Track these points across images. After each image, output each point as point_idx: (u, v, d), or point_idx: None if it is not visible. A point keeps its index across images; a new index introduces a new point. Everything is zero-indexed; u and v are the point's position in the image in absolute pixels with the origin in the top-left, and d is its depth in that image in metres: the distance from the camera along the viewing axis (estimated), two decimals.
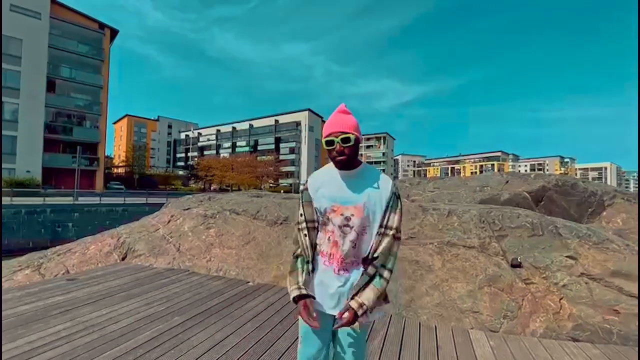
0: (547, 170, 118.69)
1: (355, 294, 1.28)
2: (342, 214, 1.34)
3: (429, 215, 4.00)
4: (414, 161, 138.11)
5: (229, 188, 45.92)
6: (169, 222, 6.22)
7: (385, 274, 1.31)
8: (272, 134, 69.55)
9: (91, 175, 33.47)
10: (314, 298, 1.35)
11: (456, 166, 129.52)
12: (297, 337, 2.60)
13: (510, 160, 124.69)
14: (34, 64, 29.18)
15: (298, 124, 66.84)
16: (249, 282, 4.29)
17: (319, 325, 1.29)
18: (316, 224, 1.39)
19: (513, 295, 3.10)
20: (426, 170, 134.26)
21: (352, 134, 1.31)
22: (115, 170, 58.86)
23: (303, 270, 1.37)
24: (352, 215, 1.33)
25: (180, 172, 67.41)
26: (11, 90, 27.94)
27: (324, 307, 1.36)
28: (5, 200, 18.78)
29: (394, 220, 1.33)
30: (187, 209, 6.38)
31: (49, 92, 30.90)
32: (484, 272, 3.29)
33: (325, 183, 1.40)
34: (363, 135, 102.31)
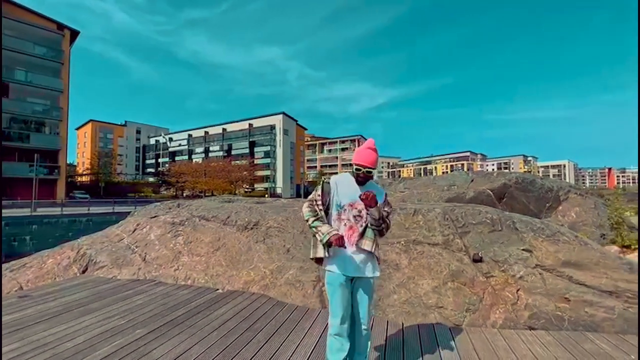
0: (513, 168, 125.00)
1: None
2: (356, 208, 2.08)
3: (396, 215, 4.08)
4: (389, 163, 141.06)
5: (202, 194, 44.73)
6: (134, 231, 5.96)
7: (382, 223, 2.04)
8: (246, 138, 68.66)
9: (51, 185, 31.51)
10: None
11: (428, 167, 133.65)
12: (265, 343, 2.56)
13: (478, 160, 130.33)
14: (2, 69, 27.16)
15: (273, 127, 66.43)
16: (218, 289, 4.19)
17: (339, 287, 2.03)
18: (325, 207, 2.12)
19: (475, 289, 3.22)
20: (400, 171, 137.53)
21: (374, 169, 2.09)
22: (80, 179, 55.77)
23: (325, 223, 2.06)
24: (362, 210, 2.07)
25: (151, 179, 64.95)
26: None
27: (347, 272, 2.02)
28: None
29: (388, 208, 2.12)
30: (154, 217, 6.15)
31: (3, 96, 28.84)
32: (448, 267, 3.40)
33: (345, 186, 2.14)
34: (339, 138, 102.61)
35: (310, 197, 2.18)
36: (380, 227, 2.05)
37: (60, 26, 33.27)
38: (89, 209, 22.64)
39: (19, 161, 29.98)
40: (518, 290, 3.13)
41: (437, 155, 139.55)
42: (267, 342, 2.71)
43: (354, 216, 2.07)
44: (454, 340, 2.75)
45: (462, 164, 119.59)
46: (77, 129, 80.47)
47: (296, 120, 71.89)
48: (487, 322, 3.05)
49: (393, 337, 2.83)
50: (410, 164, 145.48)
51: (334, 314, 2.04)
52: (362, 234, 2.05)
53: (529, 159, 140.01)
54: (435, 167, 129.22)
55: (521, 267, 3.26)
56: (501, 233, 3.62)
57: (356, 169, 2.09)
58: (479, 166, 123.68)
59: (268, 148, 65.80)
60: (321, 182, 2.17)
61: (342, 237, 1.95)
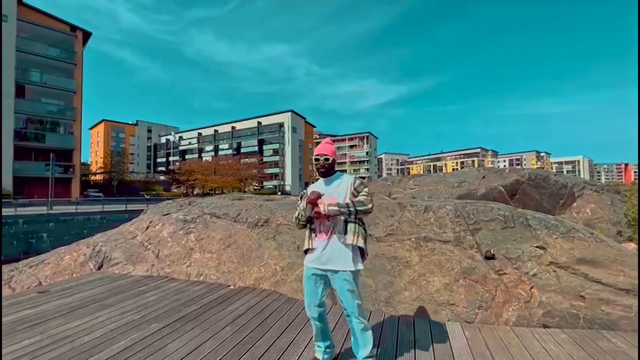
0: (525, 164, 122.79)
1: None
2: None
3: (407, 212, 4.06)
4: (397, 160, 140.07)
5: (212, 192, 45.20)
6: (147, 228, 6.07)
7: (352, 206, 2.06)
8: (255, 136, 69.01)
9: (67, 183, 32.28)
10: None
11: (437, 163, 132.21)
12: (277, 338, 2.60)
13: (489, 156, 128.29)
14: (2, 69, 27.86)
15: (281, 125, 66.59)
16: (229, 285, 4.25)
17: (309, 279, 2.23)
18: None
19: (487, 287, 3.19)
20: (409, 168, 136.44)
21: (331, 156, 2.25)
22: (93, 178, 56.93)
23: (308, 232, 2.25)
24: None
25: (162, 177, 65.85)
26: None
27: (316, 263, 2.16)
28: None
29: (363, 189, 2.15)
30: (166, 215, 6.25)
31: (19, 97, 29.66)
32: (460, 265, 3.37)
33: (318, 187, 2.26)
34: (347, 135, 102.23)
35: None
36: (345, 214, 2.08)
37: (73, 28, 33.93)
38: (102, 207, 23.11)
39: (35, 161, 30.78)
40: (531, 287, 3.09)
41: (447, 152, 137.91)
42: (278, 337, 2.73)
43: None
44: (466, 338, 2.73)
45: (473, 161, 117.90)
46: (90, 128, 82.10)
47: (304, 118, 71.91)
48: (499, 320, 3.02)
49: (404, 333, 2.83)
50: (420, 161, 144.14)
51: (305, 302, 2.25)
52: (334, 229, 2.14)
53: (542, 154, 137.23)
54: (445, 164, 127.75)
55: (534, 264, 3.21)
56: (514, 230, 3.56)
57: (315, 161, 2.24)
58: (490, 162, 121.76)
59: (277, 146, 66.02)
60: (302, 192, 2.36)
61: (315, 194, 2.11)
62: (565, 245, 3.28)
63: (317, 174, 2.35)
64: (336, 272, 2.10)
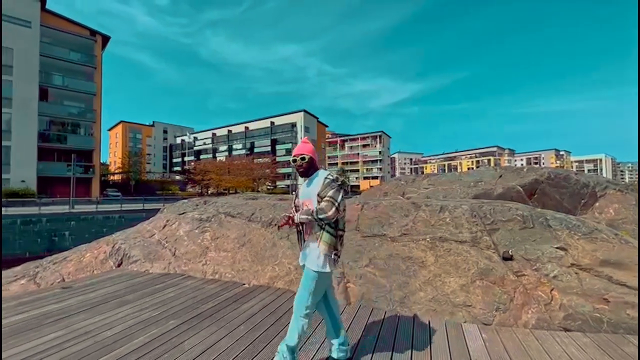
0: (543, 163, 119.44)
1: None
2: (305, 205, 2.24)
3: (421, 212, 4.02)
4: (411, 159, 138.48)
5: (226, 191, 45.80)
6: (164, 227, 6.21)
7: (315, 214, 2.08)
8: (268, 136, 69.50)
9: (87, 183, 33.32)
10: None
11: (452, 162, 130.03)
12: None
13: (506, 155, 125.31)
14: (26, 73, 29.05)
15: (294, 125, 66.86)
16: (244, 284, 4.30)
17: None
18: (295, 208, 2.35)
19: (505, 288, 3.12)
20: (423, 167, 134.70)
21: (308, 155, 2.24)
22: (112, 177, 58.56)
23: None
24: (309, 205, 2.20)
25: (177, 177, 67.17)
26: (4, 100, 27.75)
27: (302, 261, 2.26)
28: None
29: (327, 192, 2.10)
30: (182, 214, 6.37)
31: (42, 100, 30.78)
32: (476, 265, 3.31)
33: (301, 189, 2.35)
34: (359, 134, 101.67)
35: None
36: (315, 221, 2.11)
37: (93, 32, 34.97)
38: (121, 206, 23.76)
39: (57, 161, 31.90)
40: (552, 289, 3.00)
41: (462, 151, 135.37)
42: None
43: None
44: (483, 340, 2.68)
45: (489, 160, 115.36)
46: (109, 129, 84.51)
47: (317, 118, 71.95)
48: (518, 322, 2.95)
49: (419, 334, 2.80)
50: (434, 160, 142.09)
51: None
52: (310, 229, 2.20)
53: (562, 153, 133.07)
54: (460, 163, 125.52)
55: (555, 266, 3.12)
56: (533, 230, 3.47)
57: (293, 162, 2.26)
58: (506, 161, 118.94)
59: (289, 145, 66.27)
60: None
61: (287, 218, 2.22)
62: (588, 247, 3.18)
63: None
64: (304, 267, 2.21)
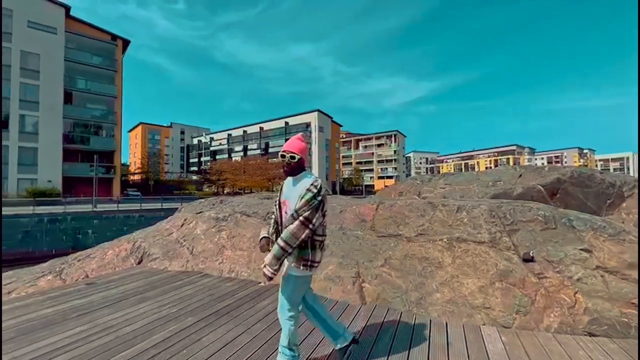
0: (566, 162, 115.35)
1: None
2: (285, 205, 2.12)
3: (438, 212, 3.95)
4: (427, 158, 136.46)
5: (242, 191, 46.39)
6: (182, 225, 6.35)
7: (280, 242, 1.98)
8: (282, 136, 69.89)
9: (108, 183, 34.42)
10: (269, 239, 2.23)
11: (470, 162, 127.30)
12: (307, 336, 2.61)
13: (526, 154, 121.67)
14: (52, 77, 30.27)
15: (308, 125, 67.01)
16: (260, 283, 4.34)
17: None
18: (277, 206, 2.24)
19: (526, 290, 3.04)
20: (439, 167, 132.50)
21: (299, 155, 2.08)
22: (132, 177, 60.33)
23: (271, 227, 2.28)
24: (288, 206, 2.09)
25: (194, 177, 68.53)
26: (31, 103, 29.06)
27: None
28: (28, 209, 19.49)
29: (299, 205, 1.98)
30: (199, 213, 6.50)
31: (66, 103, 31.99)
32: (495, 267, 3.24)
33: (284, 186, 2.22)
34: (374, 134, 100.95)
35: None
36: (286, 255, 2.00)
37: (114, 37, 36.08)
38: (140, 206, 24.44)
39: (81, 162, 33.11)
40: (576, 293, 2.90)
41: (480, 150, 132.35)
42: (309, 335, 2.76)
43: (285, 212, 2.12)
44: (503, 343, 2.62)
45: (508, 159, 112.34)
46: (129, 131, 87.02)
47: (331, 117, 71.89)
48: (539, 326, 2.86)
49: (436, 336, 2.76)
50: (450, 159, 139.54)
51: None
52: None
53: (585, 151, 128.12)
54: (478, 162, 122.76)
55: (579, 268, 3.01)
56: (555, 231, 3.36)
57: (281, 157, 2.10)
58: (526, 160, 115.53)
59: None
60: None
61: (261, 245, 2.20)
62: (615, 249, 3.05)
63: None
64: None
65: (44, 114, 29.61)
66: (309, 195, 1.97)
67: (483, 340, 2.67)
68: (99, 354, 2.42)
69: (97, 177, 27.61)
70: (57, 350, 2.46)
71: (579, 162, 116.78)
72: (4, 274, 5.63)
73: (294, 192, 2.06)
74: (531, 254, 3.21)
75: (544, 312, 2.91)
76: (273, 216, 2.29)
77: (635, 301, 2.74)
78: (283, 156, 2.07)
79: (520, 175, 7.09)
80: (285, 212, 2.10)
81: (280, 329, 2.84)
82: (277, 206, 2.22)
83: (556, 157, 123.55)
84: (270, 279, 1.99)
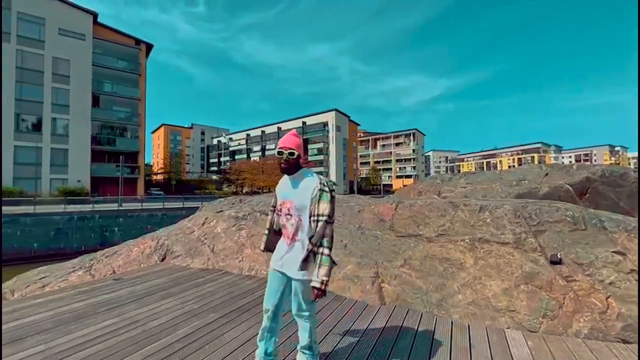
0: (595, 160, 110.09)
1: (316, 274, 1.85)
2: (286, 206, 2.01)
3: (460, 212, 3.87)
4: (446, 157, 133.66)
5: (260, 190, 46.99)
6: (203, 224, 6.51)
7: (326, 251, 1.86)
8: (300, 135, 70.17)
9: (133, 183, 35.68)
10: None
11: (492, 160, 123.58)
12: (326, 335, 2.62)
13: (552, 152, 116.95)
14: (81, 82, 31.69)
15: (325, 124, 67.05)
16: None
17: (271, 277, 2.10)
18: (273, 209, 2.21)
19: (553, 294, 2.92)
20: (459, 166, 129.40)
21: (297, 151, 1.95)
22: (155, 177, 62.30)
23: (266, 235, 2.25)
24: (289, 208, 1.98)
25: (214, 177, 69.99)
26: (62, 107, 30.54)
27: (276, 266, 2.05)
28: (60, 208, 20.51)
29: (320, 209, 1.88)
30: (219, 212, 6.64)
31: (94, 106, 33.41)
32: (520, 269, 3.13)
33: (281, 185, 2.10)
34: (392, 132, 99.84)
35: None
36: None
37: (138, 41, 37.35)
38: (163, 205, 25.17)
39: (107, 162, 34.49)
40: (608, 297, 2.77)
41: (502, 148, 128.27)
42: (328, 334, 2.77)
43: (285, 214, 2.01)
44: (529, 347, 2.53)
45: (532, 157, 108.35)
46: (152, 132, 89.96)
47: (348, 117, 71.62)
48: (568, 331, 2.75)
49: (458, 339, 2.70)
50: (471, 158, 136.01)
51: (265, 298, 2.12)
52: (294, 234, 1.97)
53: (617, 149, 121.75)
54: (500, 161, 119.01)
55: (612, 271, 2.87)
56: (585, 232, 3.22)
57: (278, 154, 1.96)
58: (552, 159, 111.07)
59: (321, 145, 66.61)
60: None
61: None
62: None
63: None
64: (293, 279, 2.04)
65: (73, 116, 31.05)
66: (326, 196, 1.90)
67: (507, 344, 2.60)
68: (128, 346, 2.52)
69: (122, 177, 28.71)
70: (89, 342, 2.58)
71: (610, 160, 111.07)
72: (39, 269, 5.96)
73: (297, 193, 1.95)
74: (559, 256, 3.09)
75: (573, 317, 2.79)
76: (270, 215, 2.21)
77: None
78: (280, 153, 1.94)
79: (547, 174, 6.83)
80: (288, 215, 1.98)
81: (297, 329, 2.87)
82: (274, 209, 2.16)
83: (585, 155, 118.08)
84: (325, 294, 1.85)
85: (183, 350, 2.46)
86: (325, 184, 1.93)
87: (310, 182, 1.94)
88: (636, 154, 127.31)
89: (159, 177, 63.73)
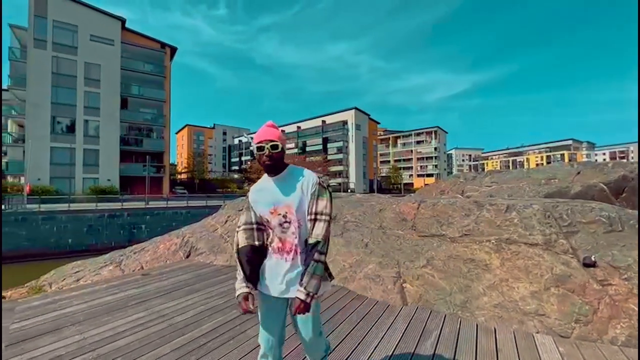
0: (632, 157, 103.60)
1: (301, 284, 1.49)
2: (279, 214, 1.59)
3: (485, 211, 3.75)
4: (470, 155, 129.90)
5: None
6: (225, 222, 6.65)
7: (322, 258, 1.52)
8: (319, 134, 70.37)
9: (159, 182, 36.94)
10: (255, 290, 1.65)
11: (518, 158, 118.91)
12: (346, 335, 2.59)
13: (583, 149, 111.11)
14: (110, 85, 33.11)
15: (345, 123, 66.79)
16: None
17: (267, 309, 1.65)
18: (255, 226, 1.65)
19: (586, 298, 2.78)
20: (484, 164, 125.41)
21: (279, 142, 1.58)
22: (179, 177, 64.27)
23: (243, 267, 1.62)
24: (287, 212, 1.58)
25: (236, 176, 71.37)
26: (94, 109, 32.04)
27: (276, 292, 1.60)
28: (91, 206, 21.56)
29: (319, 206, 1.56)
30: (241, 210, 6.76)
31: (122, 108, 34.80)
32: (551, 271, 3.00)
33: (261, 193, 1.65)
34: (413, 130, 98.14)
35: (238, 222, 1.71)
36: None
37: (163, 45, 38.57)
38: (187, 203, 25.96)
39: (135, 162, 35.88)
40: None
41: (529, 145, 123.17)
42: (348, 335, 2.76)
43: (280, 224, 1.59)
44: (560, 354, 2.43)
45: (562, 154, 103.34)
46: (177, 132, 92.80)
47: (368, 115, 71.00)
48: (603, 337, 2.61)
49: (484, 342, 2.63)
50: (496, 156, 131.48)
51: (259, 334, 1.72)
52: (297, 246, 1.58)
53: None
54: (527, 159, 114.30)
55: None
56: (622, 234, 3.04)
57: (258, 150, 1.57)
58: (584, 156, 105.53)
59: (341, 144, 66.42)
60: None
61: (243, 302, 1.56)
62: None
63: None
64: (277, 299, 1.70)
65: (104, 118, 32.50)
66: (326, 193, 1.60)
67: (537, 349, 2.50)
68: (157, 339, 2.62)
69: (149, 177, 29.81)
70: (120, 334, 2.71)
71: None
72: (74, 263, 6.30)
73: (294, 193, 1.57)
74: (593, 259, 2.94)
75: (609, 323, 2.64)
76: (237, 237, 1.65)
77: None
78: (261, 148, 1.56)
79: (579, 173, 6.51)
80: (286, 223, 1.58)
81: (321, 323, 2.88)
82: (251, 227, 1.63)
83: (621, 152, 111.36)
84: (308, 310, 1.49)
85: (208, 345, 2.53)
86: (324, 181, 1.65)
87: (307, 178, 1.61)
88: None
89: (183, 176, 65.69)
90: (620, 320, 2.62)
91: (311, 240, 1.53)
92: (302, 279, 1.49)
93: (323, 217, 1.55)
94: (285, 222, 1.58)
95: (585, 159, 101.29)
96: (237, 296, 1.60)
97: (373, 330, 2.83)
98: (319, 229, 1.53)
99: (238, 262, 1.62)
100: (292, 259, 1.58)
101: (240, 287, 1.61)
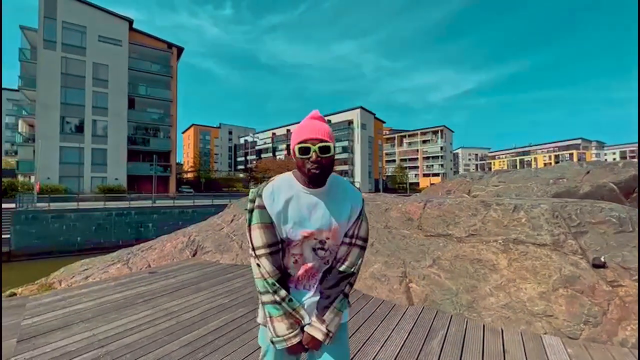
0: None
1: (321, 320, 1.17)
2: (316, 238, 1.20)
3: (492, 211, 3.72)
4: (476, 154, 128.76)
5: None
6: (232, 221, 6.69)
7: (349, 290, 1.23)
8: None
9: (165, 181, 37.27)
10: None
11: (525, 158, 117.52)
12: (352, 335, 2.59)
13: (593, 148, 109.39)
14: (118, 85, 33.47)
15: (350, 122, 66.65)
16: None
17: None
18: (281, 246, 1.20)
19: (596, 299, 2.75)
20: (490, 163, 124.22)
21: (331, 143, 1.14)
22: (185, 176, 64.73)
23: (279, 298, 1.15)
24: (328, 238, 1.21)
25: (241, 175, 71.68)
26: (102, 109, 32.42)
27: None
28: (99, 204, 21.83)
29: (362, 230, 1.24)
30: (247, 209, 6.80)
31: (130, 108, 35.16)
32: (559, 272, 2.97)
33: (290, 204, 1.17)
34: (419, 129, 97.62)
35: (254, 242, 1.19)
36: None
37: (169, 45, 38.86)
38: (193, 202, 26.13)
39: (142, 162, 36.24)
40: None
41: (537, 145, 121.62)
42: (353, 334, 2.76)
43: (313, 249, 1.21)
44: (568, 355, 2.40)
45: (571, 154, 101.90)
46: (183, 132, 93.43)
47: (374, 114, 70.75)
48: (613, 339, 2.58)
49: (491, 342, 2.61)
50: (503, 155, 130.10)
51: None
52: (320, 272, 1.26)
53: None
54: (535, 158, 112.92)
55: None
56: (632, 235, 3.00)
57: (301, 153, 1.12)
58: (593, 156, 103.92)
59: (346, 143, 66.30)
60: (250, 212, 1.21)
61: (298, 348, 1.17)
62: None
63: (308, 176, 1.15)
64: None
65: (111, 118, 32.88)
66: (363, 211, 1.27)
67: (545, 351, 2.47)
68: (165, 336, 2.65)
69: (155, 176, 30.08)
70: (129, 331, 2.74)
71: None
72: (83, 261, 6.39)
73: (342, 216, 1.21)
74: (602, 259, 2.90)
75: (619, 325, 2.61)
76: (267, 266, 1.16)
77: None
78: (305, 151, 1.11)
79: (588, 172, 6.42)
80: (322, 249, 1.21)
81: None
82: (275, 249, 1.17)
83: (631, 151, 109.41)
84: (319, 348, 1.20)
85: (215, 342, 2.55)
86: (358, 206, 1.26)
87: (355, 195, 1.25)
88: None
89: (189, 175, 66.13)
90: (631, 322, 2.59)
91: (342, 269, 1.21)
92: (323, 312, 1.17)
93: (361, 242, 1.24)
94: (321, 249, 1.21)
95: (595, 158, 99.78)
96: (284, 340, 1.14)
97: (379, 330, 2.82)
98: (355, 257, 1.22)
99: (280, 299, 1.15)
100: (314, 286, 1.25)
101: (291, 332, 1.15)
